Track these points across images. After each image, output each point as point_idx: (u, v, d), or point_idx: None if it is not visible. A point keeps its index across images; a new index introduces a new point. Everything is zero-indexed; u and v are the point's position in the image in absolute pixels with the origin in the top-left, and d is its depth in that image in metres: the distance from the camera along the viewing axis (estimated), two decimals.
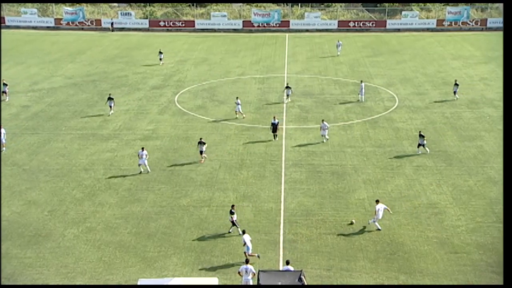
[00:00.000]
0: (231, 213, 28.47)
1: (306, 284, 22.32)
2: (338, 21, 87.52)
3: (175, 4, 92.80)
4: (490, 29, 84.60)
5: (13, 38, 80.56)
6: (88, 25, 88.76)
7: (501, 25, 78.77)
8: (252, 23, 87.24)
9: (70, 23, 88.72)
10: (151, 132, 43.10)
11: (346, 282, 24.94)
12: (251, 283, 23.65)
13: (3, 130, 39.25)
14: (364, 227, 29.06)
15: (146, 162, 35.55)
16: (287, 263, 23.86)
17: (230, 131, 43.02)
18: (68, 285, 24.79)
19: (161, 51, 66.05)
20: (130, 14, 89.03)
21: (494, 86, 54.19)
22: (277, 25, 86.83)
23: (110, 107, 46.98)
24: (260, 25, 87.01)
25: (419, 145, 38.36)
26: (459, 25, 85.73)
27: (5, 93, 50.77)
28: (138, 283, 22.12)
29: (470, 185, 33.91)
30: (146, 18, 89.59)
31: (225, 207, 30.56)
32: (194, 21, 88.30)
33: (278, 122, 40.84)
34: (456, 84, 50.29)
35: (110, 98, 47.24)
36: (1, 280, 24.94)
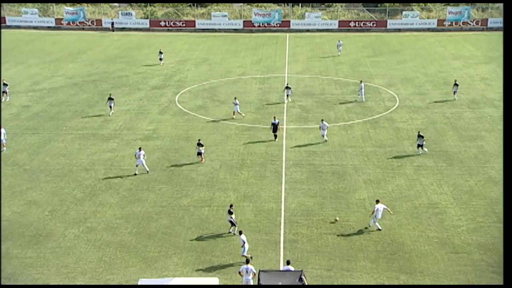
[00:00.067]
0: (230, 212, 28.46)
1: (306, 284, 22.32)
2: (339, 21, 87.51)
3: (175, 4, 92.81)
4: (491, 29, 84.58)
5: (13, 38, 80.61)
6: (89, 25, 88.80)
7: (502, 25, 78.69)
8: (253, 23, 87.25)
9: (71, 23, 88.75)
10: (151, 132, 43.11)
11: (347, 282, 24.93)
12: (251, 283, 23.65)
13: (3, 130, 39.27)
14: (366, 227, 29.02)
15: (144, 162, 35.50)
16: (288, 263, 23.85)
17: (230, 131, 43.03)
18: (68, 285, 24.80)
19: (161, 51, 66.05)
20: (131, 14, 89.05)
21: (494, 86, 54.17)
22: (278, 25, 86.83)
23: (110, 107, 46.97)
24: (261, 25, 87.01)
25: (419, 145, 38.33)
26: (459, 25, 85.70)
27: (6, 93, 50.78)
28: (139, 283, 22.14)
29: (470, 185, 33.90)
30: (147, 18, 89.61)
31: (225, 207, 30.52)
32: (194, 21, 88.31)
33: (278, 122, 40.85)
34: (456, 84, 50.27)
35: (110, 98, 47.24)
36: (1, 280, 24.94)
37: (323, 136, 40.36)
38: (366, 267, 25.90)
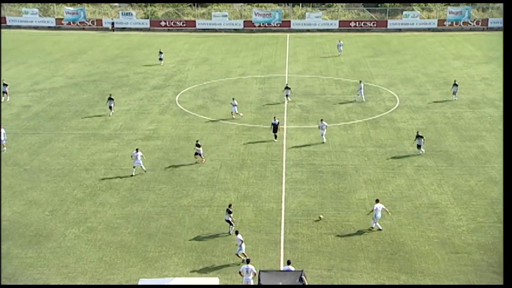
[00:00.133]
0: (229, 212, 28.45)
1: (307, 284, 22.31)
2: (339, 21, 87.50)
3: (176, 4, 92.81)
4: (491, 29, 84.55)
5: (14, 38, 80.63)
6: (89, 25, 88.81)
7: (502, 25, 78.66)
8: (253, 23, 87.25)
9: (71, 23, 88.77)
10: (152, 132, 43.11)
11: (347, 282, 24.93)
12: (252, 283, 23.65)
13: (3, 130, 39.28)
14: (370, 229, 28.91)
15: (141, 162, 35.43)
16: (288, 263, 23.84)
17: (231, 131, 43.03)
18: (69, 285, 24.80)
19: (161, 51, 66.05)
20: (131, 14, 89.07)
21: (495, 86, 54.16)
22: (278, 25, 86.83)
23: (110, 107, 46.89)
24: (261, 25, 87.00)
25: (418, 145, 38.26)
26: (460, 25, 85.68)
27: (6, 93, 50.78)
28: (139, 283, 22.14)
29: (471, 185, 33.89)
30: (147, 18, 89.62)
31: (226, 207, 30.47)
32: (195, 21, 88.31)
33: (278, 122, 40.84)
34: (455, 85, 50.25)
35: (110, 99, 47.21)
36: (1, 280, 24.94)
37: (322, 135, 40.28)
38: (366, 267, 25.90)
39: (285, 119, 45.27)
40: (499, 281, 24.50)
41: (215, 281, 22.45)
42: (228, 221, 28.60)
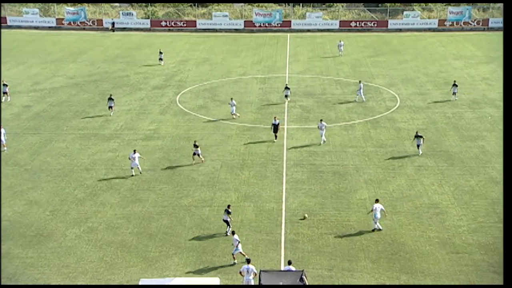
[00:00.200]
0: (228, 212, 28.40)
1: (307, 284, 22.31)
2: (340, 21, 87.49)
3: (176, 4, 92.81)
4: (492, 29, 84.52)
5: (14, 38, 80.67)
6: (90, 25, 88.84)
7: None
8: (254, 23, 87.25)
9: (72, 23, 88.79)
10: (152, 132, 43.12)
11: (348, 282, 24.93)
12: (252, 283, 23.65)
13: (3, 130, 39.30)
14: (372, 230, 28.87)
15: (138, 163, 35.29)
16: (289, 263, 23.85)
17: (231, 131, 43.03)
18: (69, 285, 24.81)
19: (161, 51, 66.05)
20: (132, 14, 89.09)
21: (495, 86, 54.15)
22: (279, 25, 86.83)
23: (111, 107, 46.85)
24: (262, 25, 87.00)
25: (418, 145, 38.16)
26: (460, 25, 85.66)
27: (6, 93, 50.78)
28: (140, 283, 22.15)
29: (471, 185, 33.88)
30: (148, 18, 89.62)
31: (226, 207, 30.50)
32: (195, 21, 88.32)
33: (279, 123, 40.84)
34: (455, 85, 50.23)
35: (110, 99, 47.17)
36: (1, 280, 24.95)
37: (321, 136, 40.17)
38: (367, 267, 25.90)
39: (285, 119, 45.26)
40: (500, 281, 24.49)
41: (215, 281, 22.45)
42: (226, 221, 28.54)
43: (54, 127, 44.41)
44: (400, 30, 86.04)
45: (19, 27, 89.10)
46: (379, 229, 28.76)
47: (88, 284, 24.88)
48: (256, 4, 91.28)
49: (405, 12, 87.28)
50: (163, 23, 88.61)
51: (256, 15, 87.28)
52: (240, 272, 23.81)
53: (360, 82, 50.78)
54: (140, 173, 35.50)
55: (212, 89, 54.88)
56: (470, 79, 57.41)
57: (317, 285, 24.58)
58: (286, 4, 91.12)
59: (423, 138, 38.25)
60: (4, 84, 51.04)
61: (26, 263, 26.33)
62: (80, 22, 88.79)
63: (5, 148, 39.32)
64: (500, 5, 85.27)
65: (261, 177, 35.22)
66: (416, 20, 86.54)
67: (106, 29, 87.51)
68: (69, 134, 42.78)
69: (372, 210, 28.68)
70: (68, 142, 41.15)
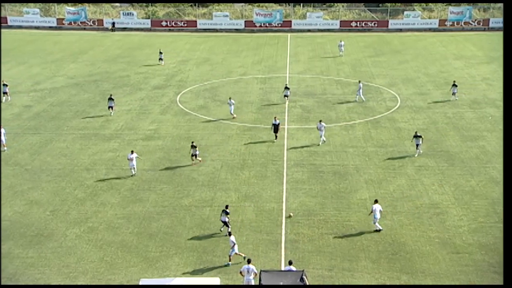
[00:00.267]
0: (226, 213, 28.35)
1: (308, 284, 22.30)
2: (340, 21, 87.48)
3: (177, 4, 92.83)
4: (492, 29, 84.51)
5: (15, 38, 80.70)
6: (90, 25, 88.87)
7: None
8: (254, 23, 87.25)
9: (72, 23, 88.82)
10: (153, 132, 43.12)
11: (348, 282, 24.92)
12: (253, 283, 23.65)
13: (3, 130, 39.30)
14: (374, 231, 28.83)
15: (135, 164, 35.21)
16: (290, 263, 23.84)
17: (232, 131, 43.03)
18: (70, 285, 24.82)
19: (161, 51, 66.05)
20: (132, 14, 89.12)
21: (496, 86, 54.14)
22: (279, 25, 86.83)
23: (111, 107, 46.81)
24: (262, 25, 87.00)
25: (417, 145, 38.07)
26: (461, 25, 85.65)
27: (6, 93, 50.79)
28: (140, 283, 22.14)
29: (472, 185, 33.87)
30: (148, 18, 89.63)
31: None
32: (196, 21, 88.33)
33: (279, 123, 40.82)
34: (455, 85, 50.20)
35: (110, 99, 47.14)
36: (1, 280, 24.95)
37: (320, 136, 40.11)
38: (367, 267, 25.89)
39: (286, 119, 45.25)
40: (500, 281, 24.47)
41: (216, 281, 22.44)
42: (225, 222, 28.48)
43: (54, 127, 44.42)
44: (400, 30, 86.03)
45: (20, 27, 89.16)
46: (380, 230, 28.73)
47: (89, 284, 24.88)
48: (257, 4, 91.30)
49: (405, 12, 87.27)
50: (164, 23, 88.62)
51: (257, 15, 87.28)
52: (241, 272, 23.80)
53: (359, 82, 50.80)
54: (133, 174, 35.24)
55: (212, 89, 54.88)
56: (471, 79, 57.40)
57: (317, 285, 24.58)
58: (287, 4, 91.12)
59: (422, 138, 38.20)
60: (4, 84, 51.04)
61: (27, 263, 26.34)
62: (80, 22, 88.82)
63: (5, 148, 39.32)
64: (500, 5, 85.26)
65: (261, 177, 35.22)
66: (417, 20, 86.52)
67: (107, 29, 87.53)
68: (70, 134, 42.79)
69: (372, 212, 28.65)
70: (68, 142, 41.16)
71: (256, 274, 23.49)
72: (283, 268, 25.19)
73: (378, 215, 28.47)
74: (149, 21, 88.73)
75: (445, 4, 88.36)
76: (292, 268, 23.51)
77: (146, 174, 35.60)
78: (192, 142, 37.39)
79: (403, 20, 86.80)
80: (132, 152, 35.43)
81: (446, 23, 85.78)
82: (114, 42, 79.20)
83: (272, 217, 30.35)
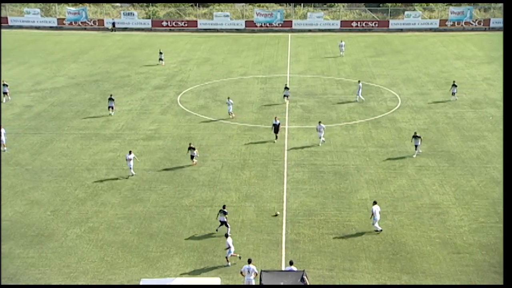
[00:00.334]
0: (224, 213, 28.31)
1: (308, 284, 22.30)
2: (341, 21, 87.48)
3: (177, 4, 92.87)
4: (493, 29, 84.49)
5: (16, 38, 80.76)
6: (91, 25, 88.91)
7: None
8: (255, 23, 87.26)
9: (73, 23, 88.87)
10: (153, 132, 43.13)
11: (349, 282, 24.91)
12: (253, 283, 23.65)
13: (3, 130, 39.31)
14: (377, 231, 28.80)
15: (132, 165, 35.14)
16: (291, 263, 23.84)
17: (232, 131, 43.03)
18: (70, 285, 24.82)
19: (161, 51, 66.04)
20: (133, 14, 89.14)
21: (497, 86, 54.13)
22: (280, 25, 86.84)
23: (112, 107, 46.78)
24: (263, 25, 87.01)
25: (415, 146, 37.96)
26: (462, 25, 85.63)
27: (6, 93, 50.80)
28: (141, 283, 22.15)
29: (473, 185, 33.86)
30: (149, 18, 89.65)
31: (227, 207, 30.41)
32: (196, 21, 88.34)
33: (279, 123, 40.79)
34: (454, 85, 50.18)
35: (110, 99, 47.12)
36: (0, 280, 24.96)
37: (320, 138, 40.05)
38: (368, 267, 25.88)
39: (286, 119, 45.25)
40: (501, 281, 24.45)
41: (216, 281, 22.45)
42: (224, 222, 28.43)
43: (55, 127, 44.43)
44: (401, 30, 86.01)
45: (20, 27, 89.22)
46: (379, 230, 28.70)
47: (89, 284, 24.89)
48: (257, 4, 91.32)
49: (406, 12, 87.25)
50: (164, 23, 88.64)
51: (257, 15, 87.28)
52: (241, 272, 23.81)
53: (359, 82, 50.80)
54: (128, 177, 35.12)
55: (213, 89, 54.88)
56: (471, 79, 57.39)
57: (318, 285, 24.57)
58: (287, 4, 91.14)
59: (421, 139, 38.11)
60: (4, 84, 51.06)
61: (27, 263, 26.34)
62: (81, 22, 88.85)
63: (5, 148, 39.33)
64: (501, 5, 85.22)
65: (262, 177, 35.22)
66: (417, 20, 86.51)
67: (107, 29, 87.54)
68: (70, 134, 42.80)
69: (372, 214, 28.59)
70: (69, 142, 41.17)
71: (256, 274, 23.49)
72: (283, 268, 25.18)
73: (377, 217, 28.46)
74: (149, 21, 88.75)
75: (445, 4, 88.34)
76: (293, 268, 23.51)
77: (147, 174, 35.60)
78: (190, 144, 37.33)
79: (403, 20, 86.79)
80: (130, 152, 35.41)
81: (446, 23, 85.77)
82: (115, 42, 79.23)
83: (272, 217, 30.33)
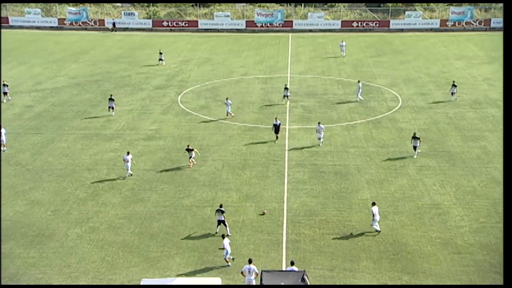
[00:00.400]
0: (221, 212, 28.25)
1: (309, 284, 22.30)
2: (341, 21, 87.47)
3: (178, 4, 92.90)
4: (494, 29, 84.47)
5: (16, 38, 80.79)
6: (92, 25, 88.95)
7: None
8: (255, 23, 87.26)
9: (74, 23, 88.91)
10: (154, 132, 43.13)
11: (349, 282, 24.91)
12: (254, 283, 23.65)
13: (3, 130, 39.31)
14: (378, 231, 28.80)
15: (129, 166, 35.08)
16: (292, 263, 23.84)
17: (233, 131, 43.03)
18: (71, 285, 24.83)
19: (161, 52, 66.02)
20: (134, 14, 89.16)
21: (497, 86, 54.11)
22: (280, 25, 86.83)
23: (112, 108, 46.75)
24: (263, 25, 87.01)
25: (415, 147, 37.84)
26: (462, 25, 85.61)
27: (6, 94, 50.81)
28: (141, 283, 22.16)
29: (473, 185, 33.85)
30: (150, 18, 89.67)
31: (228, 207, 30.52)
32: (197, 21, 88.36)
33: (280, 123, 40.78)
34: (454, 85, 50.16)
35: (111, 99, 47.09)
36: (0, 280, 24.97)
37: (319, 139, 40.00)
38: (368, 268, 25.88)
39: (287, 119, 45.25)
40: (501, 281, 24.44)
41: (217, 281, 22.45)
42: (222, 221, 28.36)
43: (56, 127, 44.45)
44: (402, 30, 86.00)
45: (21, 27, 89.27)
46: (378, 231, 28.66)
47: (90, 284, 24.89)
48: (258, 4, 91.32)
49: (407, 12, 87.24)
50: (165, 23, 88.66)
51: (258, 15, 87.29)
52: (242, 272, 23.81)
53: (359, 82, 50.79)
54: (125, 178, 35.08)
55: (213, 89, 54.89)
56: (472, 79, 57.37)
57: (318, 285, 24.57)
58: (288, 4, 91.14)
59: (420, 140, 38.04)
60: (4, 84, 51.07)
61: (28, 263, 26.35)
62: (82, 22, 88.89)
63: (5, 148, 39.34)
64: (502, 5, 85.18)
65: (262, 177, 35.22)
66: (418, 20, 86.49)
67: (108, 29, 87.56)
68: (71, 134, 42.82)
69: (373, 216, 28.57)
70: (69, 142, 41.19)
71: (257, 274, 23.49)
72: (285, 269, 25.18)
73: (377, 217, 28.46)
74: (150, 21, 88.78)
75: (446, 4, 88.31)
76: (294, 268, 23.52)
77: (147, 174, 35.60)
78: (188, 146, 37.28)
79: (404, 20, 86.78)
80: (128, 153, 35.39)
81: (447, 23, 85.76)
82: (116, 42, 79.26)
83: (273, 217, 30.34)
